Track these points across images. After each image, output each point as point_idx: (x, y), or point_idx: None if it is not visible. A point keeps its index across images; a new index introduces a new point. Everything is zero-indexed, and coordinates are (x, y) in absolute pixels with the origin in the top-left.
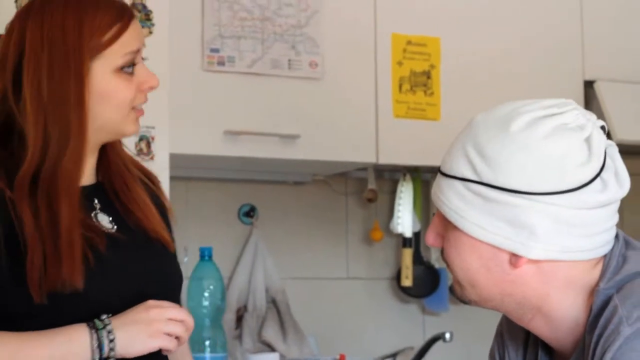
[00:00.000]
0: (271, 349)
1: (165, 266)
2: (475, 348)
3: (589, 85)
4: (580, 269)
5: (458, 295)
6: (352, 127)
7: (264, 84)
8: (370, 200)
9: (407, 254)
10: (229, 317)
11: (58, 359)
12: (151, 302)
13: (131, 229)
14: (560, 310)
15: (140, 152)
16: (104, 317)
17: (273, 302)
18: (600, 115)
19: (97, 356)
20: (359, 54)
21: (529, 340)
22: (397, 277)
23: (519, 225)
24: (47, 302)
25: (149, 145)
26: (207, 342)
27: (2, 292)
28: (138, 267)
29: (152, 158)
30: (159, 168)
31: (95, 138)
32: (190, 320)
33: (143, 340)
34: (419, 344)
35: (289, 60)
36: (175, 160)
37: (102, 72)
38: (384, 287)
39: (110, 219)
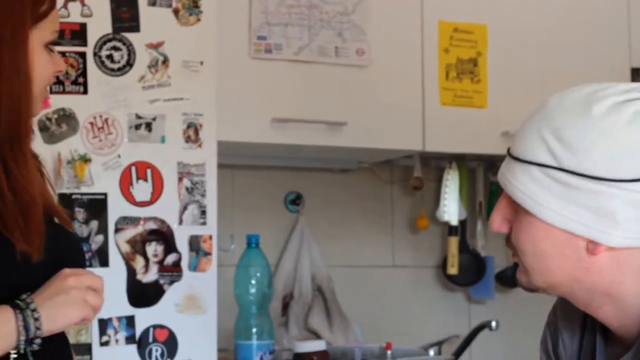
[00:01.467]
0: (317, 336)
1: (66, 242)
2: (521, 336)
3: (636, 72)
4: None
5: (524, 283)
6: (398, 115)
7: (310, 71)
8: (416, 188)
9: (453, 242)
10: (276, 305)
11: None
12: (67, 270)
13: None
14: (631, 297)
15: (188, 139)
16: (24, 296)
17: (319, 290)
18: None
19: (23, 337)
20: (405, 41)
21: (586, 327)
22: (443, 265)
23: (600, 212)
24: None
25: (196, 132)
26: (254, 330)
27: None
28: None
29: (199, 145)
30: (207, 155)
31: None
32: (102, 287)
33: (65, 312)
34: (464, 332)
35: (336, 47)
36: (223, 147)
37: (35, 43)
38: (429, 275)
39: None
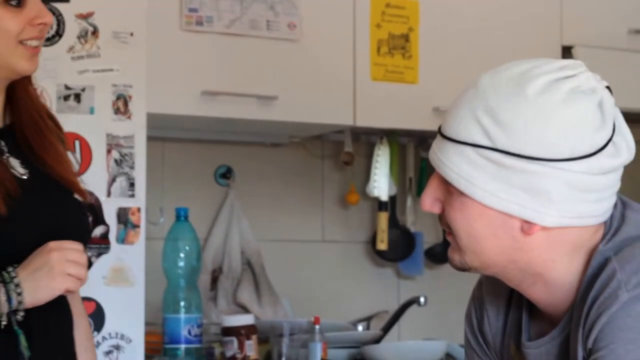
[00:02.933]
0: (246, 310)
1: (77, 214)
2: (449, 312)
3: (567, 50)
4: (587, 233)
5: (456, 263)
6: (329, 90)
7: (242, 45)
8: (346, 163)
9: (383, 217)
10: (204, 279)
11: None
12: (51, 244)
13: (42, 174)
14: (561, 276)
15: (117, 110)
16: (10, 269)
17: (248, 264)
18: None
19: (5, 309)
20: (337, 16)
21: (512, 303)
22: (373, 240)
23: (535, 192)
24: None
25: (126, 104)
26: (182, 303)
27: None
28: (49, 214)
29: (129, 117)
30: (136, 127)
31: None
32: (85, 260)
33: (47, 285)
34: (393, 307)
35: (268, 21)
36: (152, 120)
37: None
38: (359, 250)
39: (20, 162)
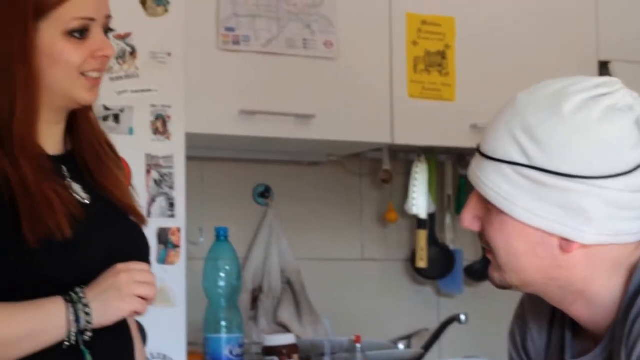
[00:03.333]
0: (286, 330)
1: (137, 238)
2: (490, 329)
3: (603, 66)
4: (627, 250)
5: (496, 280)
6: (367, 107)
7: (279, 64)
8: (384, 182)
9: (422, 235)
10: (245, 298)
11: (38, 333)
12: (119, 266)
13: (103, 199)
14: (602, 293)
15: (156, 131)
16: (78, 289)
17: (288, 283)
18: None
19: (74, 329)
20: (373, 33)
21: (555, 321)
22: (412, 258)
23: (573, 210)
24: (41, 248)
25: (165, 124)
26: (223, 323)
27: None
28: (112, 237)
29: (168, 137)
30: (175, 147)
31: (51, 103)
32: (154, 281)
33: (116, 306)
34: (433, 325)
35: (304, 39)
36: (191, 139)
37: (50, 33)
38: (398, 268)
39: (81, 187)
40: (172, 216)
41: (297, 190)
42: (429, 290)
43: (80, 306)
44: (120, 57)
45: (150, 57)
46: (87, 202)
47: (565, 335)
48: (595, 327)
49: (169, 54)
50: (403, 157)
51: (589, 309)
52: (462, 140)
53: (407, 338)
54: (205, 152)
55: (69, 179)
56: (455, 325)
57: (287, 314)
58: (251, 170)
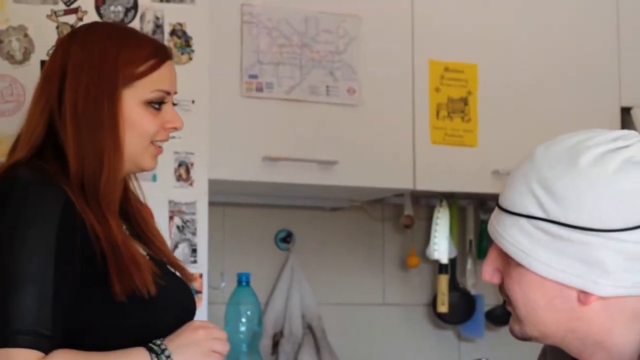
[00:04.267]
0: None
1: (192, 298)
2: None
3: (626, 111)
4: None
5: (517, 333)
6: (389, 153)
7: (301, 110)
8: (406, 227)
9: (443, 280)
10: (266, 343)
11: None
12: (197, 322)
13: (155, 258)
14: (622, 344)
15: (179, 178)
16: (158, 342)
17: (309, 328)
18: None
19: None
20: (396, 80)
21: None
22: (433, 303)
23: (590, 262)
24: (127, 302)
25: (188, 171)
26: None
27: (85, 293)
28: (182, 295)
29: (191, 184)
30: (198, 194)
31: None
32: (226, 338)
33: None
34: None
35: (327, 86)
36: (214, 185)
37: (131, 100)
38: (420, 313)
39: (140, 244)
40: (195, 262)
41: (319, 235)
42: (450, 335)
43: (163, 357)
44: None
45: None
46: (146, 257)
47: None
48: None
49: (193, 102)
50: (425, 202)
51: (609, 359)
52: (483, 185)
53: None
54: (227, 198)
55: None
56: None
57: (308, 359)
58: (273, 215)
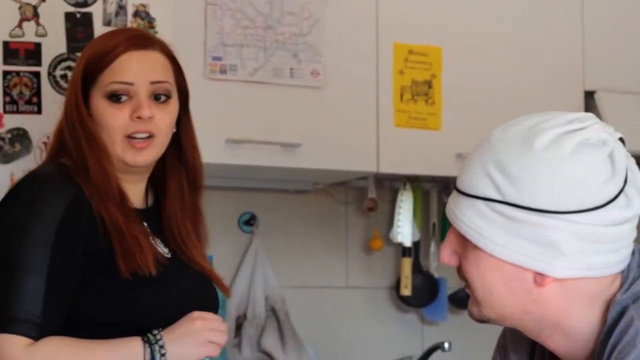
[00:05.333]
0: (270, 357)
1: (209, 294)
2: (473, 358)
3: (589, 95)
4: (603, 284)
5: (475, 315)
6: (353, 136)
7: (265, 93)
8: (370, 210)
9: (407, 263)
10: (229, 326)
11: None
12: (196, 313)
13: (181, 260)
14: (579, 326)
15: None
16: (155, 331)
17: (272, 311)
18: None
19: None
20: (360, 63)
21: (535, 353)
22: (397, 286)
23: (546, 244)
24: (132, 279)
25: None
26: None
27: (93, 275)
28: (186, 288)
29: None
30: None
31: (115, 163)
32: (226, 329)
33: (193, 351)
34: (417, 353)
35: (291, 68)
36: None
37: (96, 97)
38: (383, 296)
39: (161, 241)
40: None
41: (282, 218)
42: (413, 318)
43: (157, 347)
44: None
45: None
46: (168, 255)
47: None
48: (573, 358)
49: None
50: (388, 185)
51: (566, 341)
52: (447, 169)
53: None
54: None
55: (151, 234)
56: (438, 353)
57: (271, 342)
58: (237, 198)
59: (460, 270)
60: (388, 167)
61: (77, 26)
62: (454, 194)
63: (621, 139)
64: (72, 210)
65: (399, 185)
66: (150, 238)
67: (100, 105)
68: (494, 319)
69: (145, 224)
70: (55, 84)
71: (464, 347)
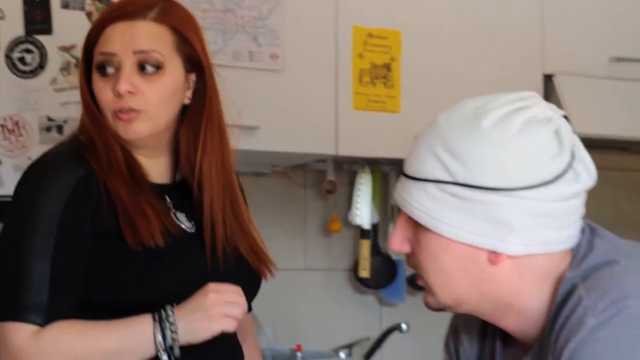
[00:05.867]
0: None
1: (234, 273)
2: (431, 338)
3: (548, 78)
4: (554, 261)
5: (432, 304)
6: (312, 119)
7: (224, 75)
8: (329, 192)
9: (365, 245)
10: None
11: (128, 350)
12: (211, 285)
13: (211, 233)
14: (532, 305)
15: None
16: (168, 307)
17: None
18: (559, 109)
19: (161, 347)
20: (319, 46)
21: (487, 332)
22: (355, 268)
23: (498, 222)
24: (142, 250)
25: None
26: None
27: (103, 250)
28: (204, 263)
29: None
30: None
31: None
32: (244, 301)
33: (205, 326)
34: (375, 334)
35: (250, 52)
36: None
37: (93, 73)
38: (341, 278)
39: (186, 216)
40: None
41: None
42: (372, 300)
43: (167, 324)
44: (65, 68)
45: None
46: (190, 230)
47: (496, 346)
48: (525, 338)
49: None
50: (347, 168)
51: (519, 321)
52: (406, 151)
53: (349, 347)
54: None
55: (173, 209)
56: (396, 334)
57: None
58: None
59: (410, 258)
60: (347, 149)
61: (35, 9)
62: (402, 179)
63: (565, 117)
64: (77, 193)
65: (358, 168)
66: (172, 213)
67: (94, 79)
68: (450, 304)
69: (168, 198)
70: (12, 67)
71: (422, 328)
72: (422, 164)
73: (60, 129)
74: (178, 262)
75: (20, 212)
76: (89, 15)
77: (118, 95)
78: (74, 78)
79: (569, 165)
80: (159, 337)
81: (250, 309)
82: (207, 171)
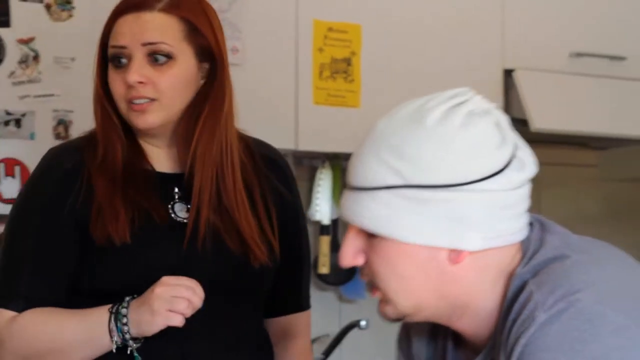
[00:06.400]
0: None
1: (234, 269)
2: (390, 335)
3: (508, 74)
4: (508, 256)
5: (390, 314)
6: (271, 114)
7: None
8: None
9: (325, 241)
10: None
11: (87, 340)
12: (163, 278)
13: (212, 226)
14: (486, 303)
15: (58, 136)
16: (127, 298)
17: None
18: (519, 104)
19: (116, 338)
20: (280, 40)
21: (438, 332)
22: (314, 264)
23: (455, 219)
24: (109, 245)
25: (67, 129)
26: None
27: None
28: (171, 251)
29: None
30: None
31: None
32: (195, 298)
33: (148, 320)
34: (334, 331)
35: None
36: None
37: (109, 64)
38: None
39: (186, 208)
40: None
41: None
42: (331, 296)
43: (120, 316)
44: (24, 61)
45: (53, 62)
46: (184, 221)
47: (447, 347)
48: (477, 339)
49: (73, 59)
50: (307, 163)
51: (473, 322)
52: None
53: None
54: None
55: (177, 200)
56: (356, 330)
57: None
58: None
59: (365, 270)
60: (307, 144)
61: None
62: (349, 194)
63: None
64: (59, 187)
65: (318, 163)
66: (171, 203)
67: (109, 72)
68: (409, 312)
69: (177, 188)
70: None
71: (381, 325)
72: (370, 172)
73: (18, 122)
74: (141, 257)
75: (14, 207)
76: (47, 7)
77: (129, 86)
78: (32, 71)
79: (514, 154)
80: (113, 328)
81: (258, 300)
82: (200, 158)
